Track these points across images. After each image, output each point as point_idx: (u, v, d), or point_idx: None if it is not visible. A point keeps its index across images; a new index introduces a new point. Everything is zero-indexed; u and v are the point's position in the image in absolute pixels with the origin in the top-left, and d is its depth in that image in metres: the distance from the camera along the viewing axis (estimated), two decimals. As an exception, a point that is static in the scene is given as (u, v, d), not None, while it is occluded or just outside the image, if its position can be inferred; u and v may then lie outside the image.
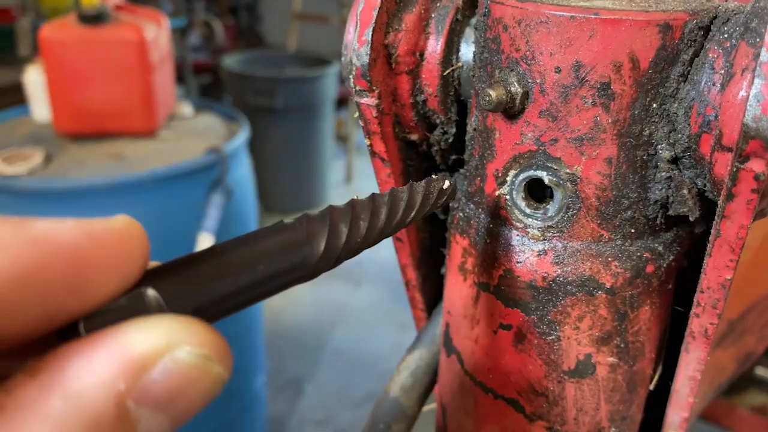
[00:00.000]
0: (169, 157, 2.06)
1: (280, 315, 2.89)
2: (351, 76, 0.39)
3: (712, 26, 0.35)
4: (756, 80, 0.30)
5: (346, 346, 2.79)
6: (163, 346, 0.20)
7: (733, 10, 0.35)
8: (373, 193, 0.30)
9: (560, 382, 0.42)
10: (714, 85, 0.34)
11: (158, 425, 0.21)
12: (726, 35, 0.34)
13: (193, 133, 2.25)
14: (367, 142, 0.43)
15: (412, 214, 0.31)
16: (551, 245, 0.39)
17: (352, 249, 0.28)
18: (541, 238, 0.39)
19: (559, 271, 0.39)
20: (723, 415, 1.85)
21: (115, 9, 2.11)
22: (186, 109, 2.38)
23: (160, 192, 1.97)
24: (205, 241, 1.97)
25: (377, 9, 0.38)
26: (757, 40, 0.32)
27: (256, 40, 4.69)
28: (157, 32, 2.12)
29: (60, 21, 2.09)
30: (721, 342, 0.78)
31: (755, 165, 0.31)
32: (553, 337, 0.40)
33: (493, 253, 0.41)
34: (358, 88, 0.40)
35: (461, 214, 0.44)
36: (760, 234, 0.72)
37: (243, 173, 2.26)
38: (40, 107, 2.21)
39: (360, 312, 2.96)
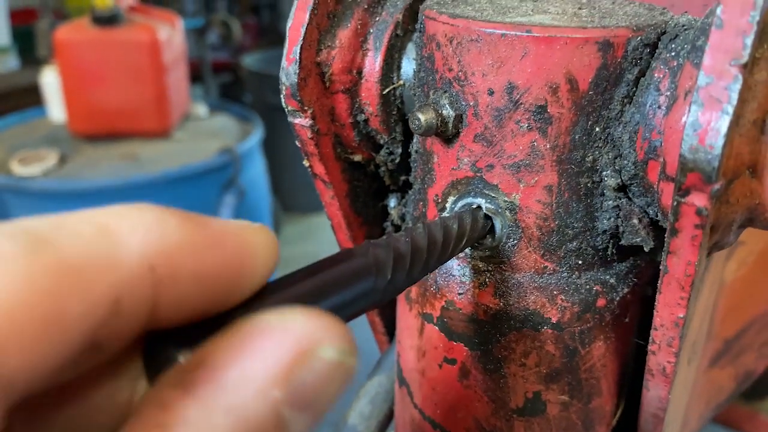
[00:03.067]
0: (182, 158, 2.06)
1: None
2: (282, 96, 0.37)
3: (659, 43, 0.32)
4: (693, 107, 0.27)
5: (362, 347, 2.77)
6: (309, 346, 0.20)
7: (683, 25, 0.32)
8: (425, 222, 0.31)
9: (508, 421, 0.39)
10: (659, 108, 0.31)
11: (304, 426, 0.20)
12: (673, 53, 0.31)
13: (207, 134, 2.25)
14: (305, 163, 0.40)
15: (464, 242, 0.33)
16: (492, 277, 0.36)
17: (414, 279, 0.29)
18: (482, 269, 0.37)
19: (501, 304, 0.36)
20: (744, 421, 1.80)
21: (129, 10, 2.12)
22: (201, 109, 2.38)
23: (172, 192, 1.97)
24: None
25: (305, 25, 0.35)
26: (702, 60, 0.29)
27: (277, 38, 4.68)
28: (171, 33, 2.12)
29: (74, 23, 2.11)
30: (716, 361, 0.75)
31: (696, 199, 0.28)
32: (499, 373, 0.38)
33: (435, 282, 0.38)
34: (289, 108, 0.37)
35: (407, 239, 0.41)
36: (756, 250, 0.68)
37: (256, 174, 2.25)
38: (56, 108, 2.23)
39: (376, 312, 2.94)
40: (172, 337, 0.21)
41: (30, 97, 2.95)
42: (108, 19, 2.01)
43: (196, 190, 2.03)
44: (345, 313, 0.25)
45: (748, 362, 0.79)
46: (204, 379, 0.19)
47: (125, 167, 2.01)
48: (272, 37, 4.63)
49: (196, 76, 2.95)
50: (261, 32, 4.70)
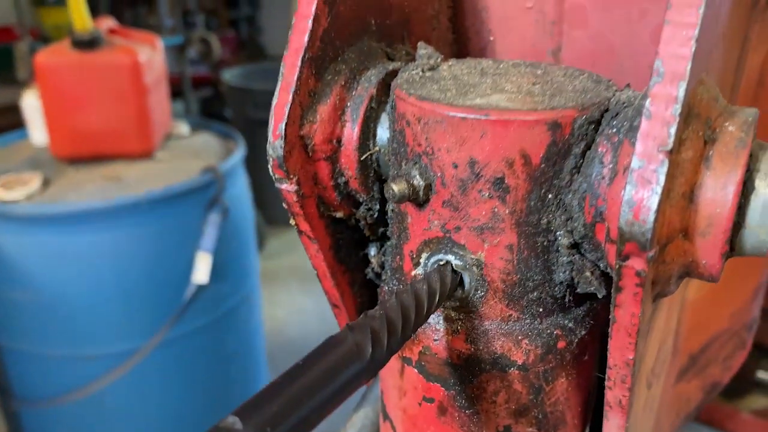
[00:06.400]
0: (166, 178, 2.08)
1: (282, 327, 2.91)
2: (270, 167, 0.41)
3: (602, 119, 0.37)
4: (627, 187, 0.31)
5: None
6: None
7: (623, 103, 0.37)
8: (397, 292, 0.36)
9: (483, 452, 0.43)
10: (603, 178, 0.36)
11: None
12: (614, 130, 0.36)
13: (190, 153, 2.28)
14: (292, 222, 0.44)
15: (436, 302, 0.36)
16: (464, 325, 0.40)
17: (394, 350, 0.33)
18: (454, 318, 0.41)
19: (472, 349, 0.41)
20: (725, 419, 1.85)
21: (109, 33, 2.14)
22: (182, 128, 2.40)
23: (157, 213, 2.00)
24: (203, 261, 1.99)
25: (288, 105, 0.39)
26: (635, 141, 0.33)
27: (257, 51, 4.72)
28: (151, 54, 2.14)
29: (55, 47, 2.13)
30: (683, 375, 0.79)
31: (635, 263, 0.32)
32: (473, 410, 0.42)
33: (412, 329, 0.42)
34: (276, 176, 0.41)
35: (387, 287, 0.45)
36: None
37: (240, 191, 2.28)
38: (37, 131, 2.24)
39: (362, 322, 2.98)
40: None
41: (7, 118, 2.96)
42: (88, 43, 2.03)
43: (180, 210, 2.05)
44: (339, 398, 0.29)
45: (714, 374, 0.84)
46: None
47: (109, 189, 2.02)
48: (251, 50, 4.66)
49: (176, 91, 2.97)
50: (240, 46, 4.73)
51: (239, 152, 2.24)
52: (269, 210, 3.38)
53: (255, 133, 3.16)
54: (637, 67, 0.48)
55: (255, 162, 3.10)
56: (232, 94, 3.52)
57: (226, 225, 2.13)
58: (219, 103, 3.85)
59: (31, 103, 2.22)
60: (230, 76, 3.61)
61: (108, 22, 2.21)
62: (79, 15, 2.04)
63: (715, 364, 0.83)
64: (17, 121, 2.39)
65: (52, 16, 4.00)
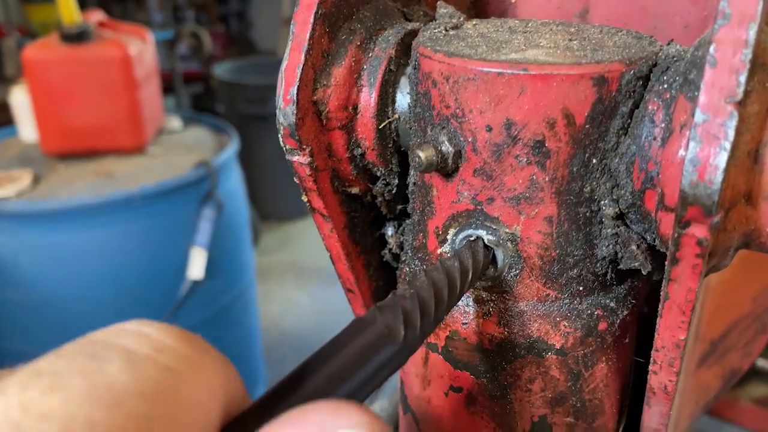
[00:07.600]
0: (159, 173, 2.04)
1: (279, 322, 2.88)
2: (280, 136, 0.37)
3: (651, 75, 0.33)
4: (691, 143, 0.28)
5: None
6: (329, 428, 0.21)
7: (673, 57, 0.33)
8: (426, 270, 0.32)
9: (516, 445, 0.40)
10: (655, 139, 0.32)
11: None
12: (665, 86, 0.32)
13: (183, 147, 2.23)
14: (304, 198, 0.41)
15: (468, 280, 0.33)
16: (496, 306, 0.37)
17: (427, 333, 0.30)
18: (486, 299, 0.37)
19: (506, 333, 0.37)
20: (725, 408, 1.83)
21: (98, 26, 2.10)
22: (175, 122, 2.36)
23: (150, 209, 1.96)
24: (197, 256, 1.96)
25: (301, 66, 0.36)
26: (696, 93, 0.30)
27: (247, 46, 4.66)
28: (142, 48, 2.10)
29: (43, 41, 2.08)
30: (704, 361, 0.76)
31: (697, 230, 0.29)
32: (505, 399, 0.38)
33: (438, 313, 0.39)
34: (287, 146, 0.38)
35: (407, 268, 0.42)
36: (738, 254, 0.70)
37: (234, 185, 2.24)
38: (27, 127, 2.20)
39: (360, 317, 2.95)
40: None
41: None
42: (77, 36, 1.98)
43: (173, 205, 2.01)
44: (369, 388, 0.25)
45: (734, 361, 0.81)
46: None
47: (101, 185, 1.98)
48: (242, 45, 4.60)
49: (167, 87, 2.93)
50: (230, 41, 4.67)
51: (233, 146, 2.20)
52: (264, 205, 3.34)
53: (247, 127, 3.12)
54: (672, 29, 0.44)
55: (248, 156, 3.06)
56: (223, 89, 3.47)
57: (220, 220, 2.10)
58: (210, 99, 3.80)
59: (19, 100, 2.18)
60: (221, 71, 3.56)
61: (97, 15, 2.17)
62: (67, 8, 2.00)
63: (734, 351, 0.80)
64: (6, 117, 2.34)
65: (40, 12, 3.94)
